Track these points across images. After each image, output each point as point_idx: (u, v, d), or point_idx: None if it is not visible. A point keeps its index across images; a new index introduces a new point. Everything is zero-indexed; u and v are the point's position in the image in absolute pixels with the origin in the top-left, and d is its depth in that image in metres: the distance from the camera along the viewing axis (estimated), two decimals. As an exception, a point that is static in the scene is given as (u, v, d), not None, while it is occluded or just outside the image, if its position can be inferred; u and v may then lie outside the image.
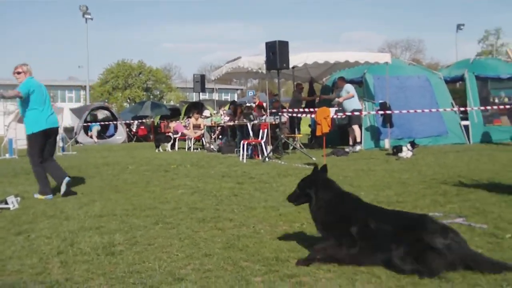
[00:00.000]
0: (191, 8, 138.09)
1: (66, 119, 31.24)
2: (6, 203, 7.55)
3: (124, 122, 30.20)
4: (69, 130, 27.97)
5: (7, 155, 18.65)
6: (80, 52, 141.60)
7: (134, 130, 31.16)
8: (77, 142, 27.47)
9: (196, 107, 24.95)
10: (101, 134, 30.09)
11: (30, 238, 5.60)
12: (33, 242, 5.44)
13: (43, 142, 8.72)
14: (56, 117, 9.03)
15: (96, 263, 4.60)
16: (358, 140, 15.49)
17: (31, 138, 8.69)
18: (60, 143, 20.54)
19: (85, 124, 29.25)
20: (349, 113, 15.23)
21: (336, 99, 15.77)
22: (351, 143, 15.37)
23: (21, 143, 22.15)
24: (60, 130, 22.58)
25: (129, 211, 6.93)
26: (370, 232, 4.19)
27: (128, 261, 4.60)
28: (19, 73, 8.73)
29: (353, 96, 15.58)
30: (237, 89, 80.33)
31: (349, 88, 15.77)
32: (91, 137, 29.06)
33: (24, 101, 8.58)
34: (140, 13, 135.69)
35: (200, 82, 22.49)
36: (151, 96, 59.96)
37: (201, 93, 23.98)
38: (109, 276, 4.20)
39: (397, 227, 4.12)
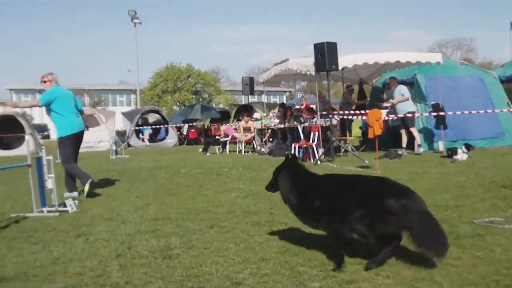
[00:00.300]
0: (238, 11, 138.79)
1: (118, 123, 31.85)
2: (65, 206, 7.74)
3: (174, 125, 30.55)
4: (121, 134, 28.49)
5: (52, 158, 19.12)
6: (130, 57, 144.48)
7: (184, 133, 31.48)
8: (129, 145, 27.93)
9: (246, 110, 25.03)
10: (153, 138, 30.51)
11: (89, 241, 5.72)
12: (92, 244, 5.55)
13: (73, 144, 9.34)
14: (82, 121, 9.67)
15: (154, 266, 4.66)
16: (418, 143, 15.14)
17: (62, 141, 9.32)
18: (113, 147, 20.98)
19: (136, 127, 29.72)
20: (401, 115, 14.97)
21: (390, 101, 15.49)
22: (404, 145, 15.10)
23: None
24: (113, 134, 23.06)
25: (184, 215, 6.99)
26: (337, 204, 4.45)
27: (185, 265, 4.64)
28: (45, 82, 9.55)
29: (408, 99, 15.27)
30: (285, 91, 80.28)
31: (403, 90, 15.42)
32: (143, 140, 29.52)
33: (49, 108, 9.37)
34: (187, 16, 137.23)
35: (249, 84, 22.55)
36: (200, 99, 60.58)
37: (250, 96, 24.05)
38: (168, 280, 4.25)
39: (358, 194, 4.39)
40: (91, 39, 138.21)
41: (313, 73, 15.16)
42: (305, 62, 15.80)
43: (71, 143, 9.35)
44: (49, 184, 7.72)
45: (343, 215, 4.34)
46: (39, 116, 66.53)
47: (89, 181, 9.11)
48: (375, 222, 4.20)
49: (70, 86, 64.53)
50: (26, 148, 24.65)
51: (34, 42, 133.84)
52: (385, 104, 15.59)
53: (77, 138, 9.51)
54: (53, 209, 7.65)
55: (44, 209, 7.64)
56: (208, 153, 20.27)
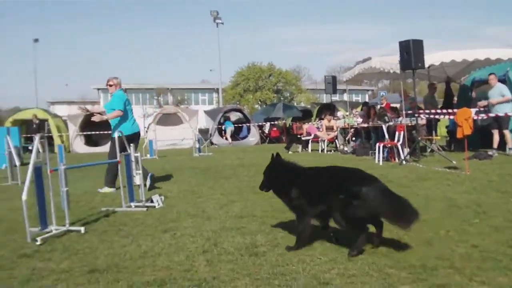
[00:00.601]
0: (319, 9, 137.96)
1: (201, 121, 32.44)
2: (152, 201, 7.93)
3: (256, 123, 30.75)
4: (204, 132, 28.99)
5: (148, 156, 19.66)
6: (212, 56, 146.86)
7: (266, 131, 31.62)
8: (212, 143, 28.35)
9: (329, 109, 24.85)
10: (235, 136, 30.84)
11: (176, 236, 5.82)
12: (179, 240, 5.64)
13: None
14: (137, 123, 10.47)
15: (240, 263, 4.67)
16: (510, 146, 14.37)
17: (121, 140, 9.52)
18: (196, 144, 21.35)
19: (219, 126, 30.13)
20: (493, 115, 14.31)
21: (489, 101, 14.69)
22: (495, 146, 14.42)
23: (161, 144, 23.37)
24: (196, 132, 23.49)
25: (268, 213, 6.99)
26: (319, 195, 4.96)
27: (271, 263, 4.62)
28: (110, 85, 10.15)
29: (508, 100, 14.39)
30: (367, 90, 79.15)
31: (504, 90, 14.48)
32: (226, 138, 29.86)
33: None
34: (268, 15, 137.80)
35: (332, 83, 22.37)
36: (281, 98, 60.65)
37: (332, 95, 23.87)
38: (254, 277, 4.24)
39: (332, 183, 4.90)
40: (174, 39, 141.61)
41: (397, 71, 14.84)
42: (389, 60, 15.49)
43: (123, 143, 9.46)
44: (137, 180, 7.94)
45: (316, 204, 4.98)
46: (125, 114, 68.89)
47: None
48: (344, 209, 4.71)
49: (154, 85, 66.65)
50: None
51: (119, 43, 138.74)
52: (481, 104, 14.86)
53: (133, 139, 9.80)
54: (140, 204, 7.86)
55: (132, 204, 7.86)
56: (290, 152, 20.26)
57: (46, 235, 5.93)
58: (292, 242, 5.24)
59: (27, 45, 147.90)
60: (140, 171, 7.92)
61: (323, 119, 22.71)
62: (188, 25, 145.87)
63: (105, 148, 26.02)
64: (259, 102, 60.83)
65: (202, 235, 5.79)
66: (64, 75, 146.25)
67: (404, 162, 13.10)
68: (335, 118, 22.24)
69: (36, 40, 60.95)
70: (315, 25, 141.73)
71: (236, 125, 31.27)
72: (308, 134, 21.65)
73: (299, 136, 22.50)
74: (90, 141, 27.99)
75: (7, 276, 4.56)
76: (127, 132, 9.63)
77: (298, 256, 4.79)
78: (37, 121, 26.70)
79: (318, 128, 22.09)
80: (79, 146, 26.59)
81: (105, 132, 26.54)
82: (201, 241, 5.53)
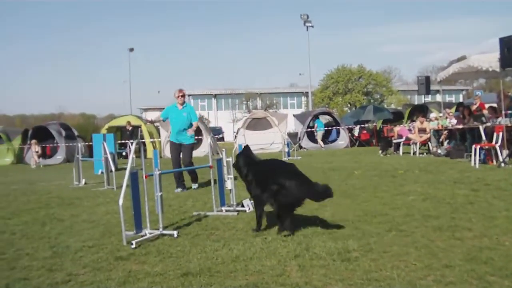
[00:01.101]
0: (409, 8, 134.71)
1: (290, 125, 32.45)
2: (243, 206, 7.98)
3: (346, 127, 30.40)
4: (293, 136, 28.98)
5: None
6: (300, 60, 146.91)
7: (356, 134, 31.19)
8: (300, 147, 28.30)
9: (421, 110, 24.16)
10: (324, 139, 30.63)
11: (267, 240, 5.81)
12: (270, 244, 5.63)
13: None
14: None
15: (332, 268, 4.59)
16: None
17: (193, 147, 11.53)
18: (285, 148, 21.37)
19: (308, 129, 30.02)
20: None
21: None
22: None
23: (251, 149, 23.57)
24: (285, 136, 23.52)
25: (360, 217, 6.86)
26: (263, 185, 6.28)
27: (364, 268, 4.52)
28: (183, 96, 11.30)
29: None
30: (462, 90, 76.33)
31: None
32: (317, 141, 29.67)
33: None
34: (357, 17, 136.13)
35: (425, 84, 21.75)
36: (372, 100, 59.72)
37: (424, 96, 23.22)
38: (347, 283, 4.16)
39: (270, 176, 6.23)
40: (263, 43, 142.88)
41: (496, 69, 14.19)
42: (488, 58, 14.83)
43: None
44: (228, 184, 8.00)
45: (262, 190, 6.27)
46: (214, 118, 70.36)
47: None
48: (275, 196, 6.06)
49: (243, 90, 67.51)
50: (203, 150, 26.17)
51: (208, 49, 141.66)
52: None
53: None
54: (231, 208, 7.93)
55: (223, 208, 7.95)
56: (383, 154, 19.86)
57: (141, 238, 6.09)
58: (386, 247, 5.13)
59: (122, 54, 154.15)
60: (232, 176, 7.98)
61: (414, 121, 22.11)
62: (277, 29, 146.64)
63: (196, 153, 26.68)
64: (349, 105, 60.21)
65: (293, 240, 5.76)
66: (156, 82, 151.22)
67: (502, 164, 12.50)
68: (427, 119, 21.57)
69: (131, 50, 63.24)
70: (405, 24, 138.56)
71: (325, 128, 31.02)
72: (400, 136, 21.13)
73: (389, 139, 22.01)
74: (182, 146, 28.65)
75: (105, 278, 4.71)
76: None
77: (392, 262, 4.66)
78: (130, 128, 27.67)
79: (410, 130, 21.50)
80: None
81: (197, 137, 27.22)
82: (293, 245, 5.50)
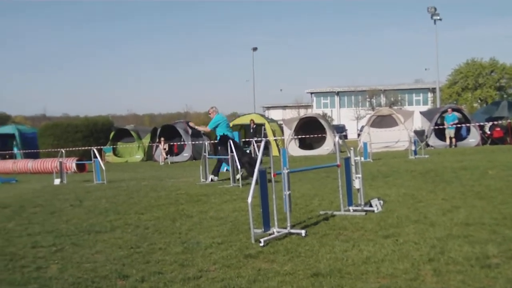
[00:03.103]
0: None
1: (416, 122, 31.40)
2: (371, 205, 7.78)
3: (477, 124, 28.90)
4: (420, 134, 28.00)
5: (361, 159, 19.44)
6: (426, 54, 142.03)
7: (488, 132, 29.55)
8: (428, 145, 27.27)
9: None
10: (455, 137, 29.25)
11: (399, 242, 5.61)
12: (402, 246, 5.43)
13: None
14: (234, 134, 15.26)
15: (471, 275, 4.33)
16: None
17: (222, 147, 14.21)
18: (411, 146, 20.68)
19: (435, 127, 28.89)
20: None
21: None
22: None
23: (375, 147, 23.09)
24: (411, 134, 22.78)
25: (498, 220, 6.44)
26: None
27: (507, 277, 4.23)
28: (210, 113, 14.69)
29: None
30: None
31: None
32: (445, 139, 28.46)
33: (215, 129, 14.27)
34: (488, 7, 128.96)
35: None
36: (505, 96, 56.39)
37: None
38: (489, 291, 3.89)
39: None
40: (388, 39, 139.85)
41: None
42: None
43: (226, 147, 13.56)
44: (357, 184, 7.83)
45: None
46: (337, 116, 69.88)
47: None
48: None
49: (366, 87, 66.42)
50: (326, 148, 26.02)
51: (330, 45, 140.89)
52: None
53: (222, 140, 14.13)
54: (359, 208, 7.75)
55: (351, 208, 7.79)
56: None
57: (269, 236, 6.10)
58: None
59: (246, 53, 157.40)
60: (360, 175, 7.80)
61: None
62: (400, 23, 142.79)
63: (319, 151, 26.74)
64: (479, 101, 57.23)
65: (426, 242, 5.51)
66: (279, 80, 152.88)
67: None
68: None
69: (254, 49, 64.25)
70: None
71: (455, 124, 29.64)
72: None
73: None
74: (305, 144, 28.71)
75: (235, 275, 4.75)
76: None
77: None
78: (254, 126, 28.07)
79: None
80: (294, 149, 27.37)
81: (320, 135, 27.16)
82: (426, 248, 5.26)
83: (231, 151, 12.96)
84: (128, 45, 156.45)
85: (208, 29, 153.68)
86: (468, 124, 28.57)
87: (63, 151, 18.18)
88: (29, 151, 28.48)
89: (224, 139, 13.80)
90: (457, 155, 19.68)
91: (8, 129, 33.06)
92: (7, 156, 28.01)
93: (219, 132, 14.18)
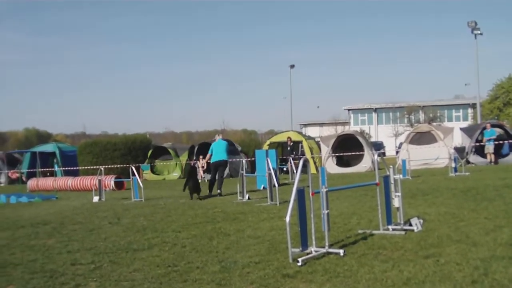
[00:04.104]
0: None
1: (457, 139, 30.85)
2: (410, 224, 7.62)
3: (521, 140, 28.22)
4: (460, 150, 27.48)
5: (400, 176, 19.11)
6: (465, 69, 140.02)
7: (534, 149, 28.81)
8: (468, 162, 26.72)
9: None
10: (495, 154, 28.64)
11: (440, 263, 5.47)
12: (443, 267, 5.29)
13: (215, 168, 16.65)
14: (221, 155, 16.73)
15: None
16: None
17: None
18: (452, 164, 20.29)
19: (476, 143, 28.33)
20: None
21: None
22: None
23: (414, 164, 22.76)
24: (452, 150, 22.37)
25: (546, 241, 6.22)
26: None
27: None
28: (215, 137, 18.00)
29: None
30: None
31: None
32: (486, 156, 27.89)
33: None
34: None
35: None
36: (547, 111, 54.98)
37: None
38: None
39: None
40: (427, 53, 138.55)
41: None
42: None
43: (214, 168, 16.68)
44: (396, 202, 7.69)
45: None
46: (374, 133, 69.26)
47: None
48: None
49: (405, 103, 65.67)
50: (364, 165, 25.68)
51: (368, 63, 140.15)
52: None
53: (217, 164, 16.61)
54: (398, 227, 7.60)
55: (390, 227, 7.64)
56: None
57: (307, 256, 6.03)
58: None
59: (283, 70, 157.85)
60: (399, 193, 7.66)
61: None
62: (440, 37, 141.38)
63: (356, 168, 26.47)
64: (522, 116, 55.97)
65: (469, 263, 5.36)
66: (316, 97, 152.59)
67: None
68: None
69: (292, 66, 64.33)
70: None
71: (497, 142, 29.01)
72: None
73: None
74: (342, 161, 28.47)
75: (273, 296, 4.69)
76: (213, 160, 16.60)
77: None
78: (291, 143, 27.99)
79: None
80: (331, 166, 27.15)
81: (358, 153, 26.91)
82: (469, 270, 5.11)
83: (268, 169, 12.92)
84: (166, 63, 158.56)
85: (246, 46, 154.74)
86: (510, 141, 27.96)
87: (102, 168, 18.42)
88: (69, 168, 28.92)
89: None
90: (499, 172, 19.22)
91: (49, 147, 33.72)
92: (48, 174, 28.50)
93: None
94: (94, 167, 25.61)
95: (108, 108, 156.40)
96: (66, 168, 29.31)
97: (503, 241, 6.35)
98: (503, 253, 5.72)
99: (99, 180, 17.60)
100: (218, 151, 16.62)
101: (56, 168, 30.05)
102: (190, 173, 15.76)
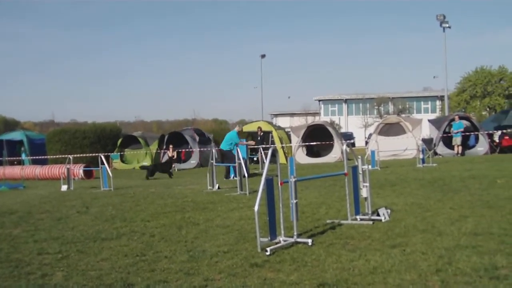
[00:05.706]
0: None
1: (424, 131, 31.25)
2: (378, 214, 7.73)
3: (486, 132, 28.75)
4: (428, 142, 27.85)
5: (369, 166, 19.26)
6: (434, 62, 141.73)
7: (497, 140, 29.39)
8: (436, 153, 27.10)
9: None
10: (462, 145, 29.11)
11: (406, 252, 5.57)
12: (409, 256, 5.39)
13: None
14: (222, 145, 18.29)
15: (479, 286, 4.31)
16: None
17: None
18: (419, 155, 20.56)
19: (444, 135, 28.75)
20: None
21: None
22: None
23: (383, 155, 22.98)
24: (420, 142, 22.68)
25: (507, 230, 6.38)
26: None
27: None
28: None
29: None
30: None
31: None
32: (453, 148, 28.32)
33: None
34: (497, 15, 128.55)
35: None
36: (514, 103, 56.10)
37: None
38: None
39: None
40: (395, 46, 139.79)
41: None
42: None
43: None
44: (364, 192, 7.79)
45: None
46: (344, 124, 69.76)
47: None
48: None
49: (374, 95, 66.25)
50: (334, 155, 25.87)
51: (336, 54, 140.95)
52: None
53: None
54: (366, 217, 7.70)
55: (358, 217, 7.74)
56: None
57: (275, 245, 6.06)
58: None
59: (254, 60, 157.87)
60: (367, 184, 7.75)
61: None
62: (408, 30, 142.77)
63: (326, 158, 26.65)
64: (488, 109, 56.97)
65: (434, 253, 5.46)
66: (287, 88, 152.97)
67: None
68: None
69: (263, 56, 64.34)
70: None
71: (463, 134, 29.51)
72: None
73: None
74: (312, 152, 28.62)
75: (241, 284, 4.72)
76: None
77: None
78: (261, 133, 28.04)
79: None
80: (301, 156, 27.29)
81: (327, 143, 27.08)
82: (433, 259, 5.21)
83: (238, 159, 12.94)
84: (135, 50, 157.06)
85: (216, 35, 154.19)
86: (476, 133, 28.43)
87: (71, 157, 18.22)
88: (37, 157, 28.49)
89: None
90: (465, 164, 19.55)
91: (16, 135, 33.18)
92: (15, 162, 28.04)
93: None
94: (63, 155, 25.28)
95: (77, 96, 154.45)
96: (34, 157, 28.87)
97: (467, 231, 6.49)
98: (467, 242, 5.85)
99: (68, 169, 17.41)
100: (223, 142, 18.38)
101: (23, 156, 29.60)
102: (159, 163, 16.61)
